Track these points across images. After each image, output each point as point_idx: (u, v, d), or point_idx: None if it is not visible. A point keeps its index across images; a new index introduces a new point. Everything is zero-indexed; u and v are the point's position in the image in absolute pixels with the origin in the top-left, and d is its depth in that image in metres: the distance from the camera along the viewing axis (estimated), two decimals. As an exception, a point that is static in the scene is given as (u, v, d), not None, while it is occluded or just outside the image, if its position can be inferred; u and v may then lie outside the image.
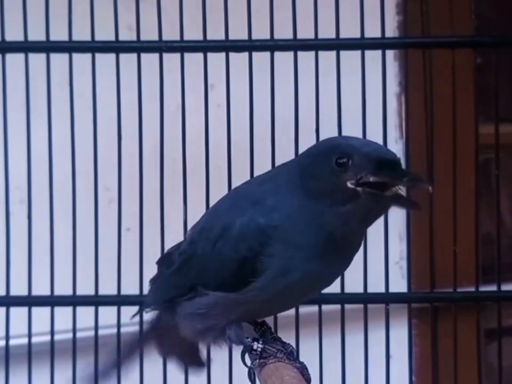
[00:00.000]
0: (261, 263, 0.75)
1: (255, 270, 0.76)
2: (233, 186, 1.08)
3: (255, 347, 0.80)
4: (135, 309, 1.10)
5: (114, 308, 1.13)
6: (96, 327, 1.12)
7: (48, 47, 1.12)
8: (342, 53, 1.11)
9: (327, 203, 0.73)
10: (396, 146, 1.43)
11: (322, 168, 0.74)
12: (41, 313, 1.13)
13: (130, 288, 1.12)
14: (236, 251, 0.77)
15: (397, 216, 1.16)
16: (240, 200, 0.80)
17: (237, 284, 0.77)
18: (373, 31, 1.12)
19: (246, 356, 0.82)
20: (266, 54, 1.11)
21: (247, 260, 0.76)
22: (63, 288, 1.13)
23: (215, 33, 1.11)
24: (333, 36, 1.11)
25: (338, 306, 1.12)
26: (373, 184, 0.72)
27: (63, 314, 1.13)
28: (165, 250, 0.96)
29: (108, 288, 1.13)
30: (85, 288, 1.12)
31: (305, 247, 0.75)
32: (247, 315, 0.82)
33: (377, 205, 0.73)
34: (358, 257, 0.83)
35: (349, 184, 0.72)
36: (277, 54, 1.11)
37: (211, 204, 1.05)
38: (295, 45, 1.11)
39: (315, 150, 0.77)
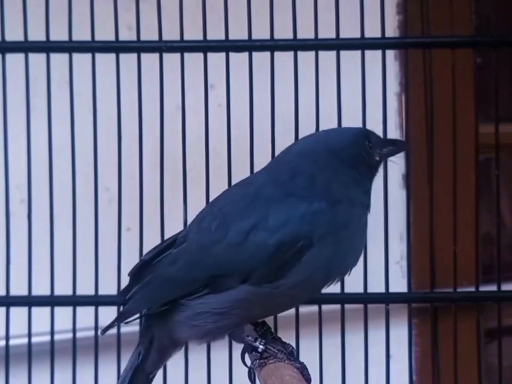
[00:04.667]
0: (300, 254, 0.77)
1: (292, 260, 0.77)
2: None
3: (255, 347, 0.81)
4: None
5: (114, 308, 1.12)
6: (96, 327, 1.12)
7: (48, 47, 1.12)
8: (342, 53, 1.11)
9: (365, 177, 0.85)
10: (396, 146, 1.43)
11: (359, 153, 0.85)
12: (41, 313, 1.13)
13: (130, 288, 1.12)
14: (272, 237, 0.77)
15: (397, 216, 1.16)
16: (273, 192, 0.80)
17: (269, 273, 0.77)
18: (373, 31, 1.12)
19: (246, 355, 0.82)
20: (266, 54, 1.11)
21: (284, 247, 0.77)
22: (63, 288, 1.13)
23: (215, 33, 1.11)
24: (333, 36, 1.11)
25: (338, 306, 1.12)
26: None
27: (63, 314, 1.13)
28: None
29: (107, 288, 1.13)
30: (85, 288, 1.12)
31: (345, 239, 0.78)
32: (267, 312, 0.83)
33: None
34: (358, 257, 0.84)
35: (376, 157, 0.87)
36: (277, 54, 1.11)
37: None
38: (295, 45, 1.11)
39: (344, 143, 0.85)
